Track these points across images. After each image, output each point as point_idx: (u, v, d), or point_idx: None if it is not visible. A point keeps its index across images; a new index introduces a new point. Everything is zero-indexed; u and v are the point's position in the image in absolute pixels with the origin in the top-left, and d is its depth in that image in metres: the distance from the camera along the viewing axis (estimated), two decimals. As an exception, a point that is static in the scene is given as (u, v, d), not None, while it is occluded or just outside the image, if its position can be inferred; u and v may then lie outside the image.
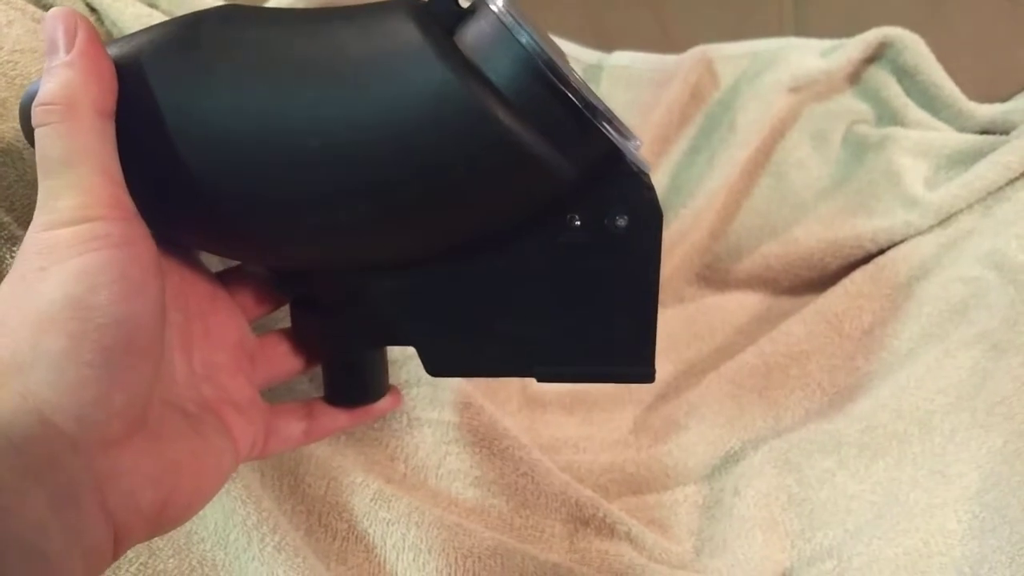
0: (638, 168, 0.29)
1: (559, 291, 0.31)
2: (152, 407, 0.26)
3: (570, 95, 0.26)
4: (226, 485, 0.37)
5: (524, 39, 0.26)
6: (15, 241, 0.35)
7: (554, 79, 0.26)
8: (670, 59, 0.63)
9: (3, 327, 0.23)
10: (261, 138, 0.26)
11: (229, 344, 0.32)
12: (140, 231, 0.25)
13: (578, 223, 0.29)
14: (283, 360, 0.34)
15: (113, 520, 0.24)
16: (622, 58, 0.64)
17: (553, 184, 0.27)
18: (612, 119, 0.27)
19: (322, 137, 0.26)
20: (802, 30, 0.64)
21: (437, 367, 0.33)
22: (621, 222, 0.29)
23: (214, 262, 0.34)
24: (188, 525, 0.38)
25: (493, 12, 0.26)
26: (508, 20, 0.26)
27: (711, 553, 0.43)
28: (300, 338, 0.35)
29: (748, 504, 0.44)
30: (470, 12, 0.27)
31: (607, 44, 0.64)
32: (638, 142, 0.28)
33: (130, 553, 0.37)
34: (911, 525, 0.41)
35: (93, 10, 0.47)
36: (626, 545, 0.44)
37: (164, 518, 0.27)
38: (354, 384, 0.36)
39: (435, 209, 0.28)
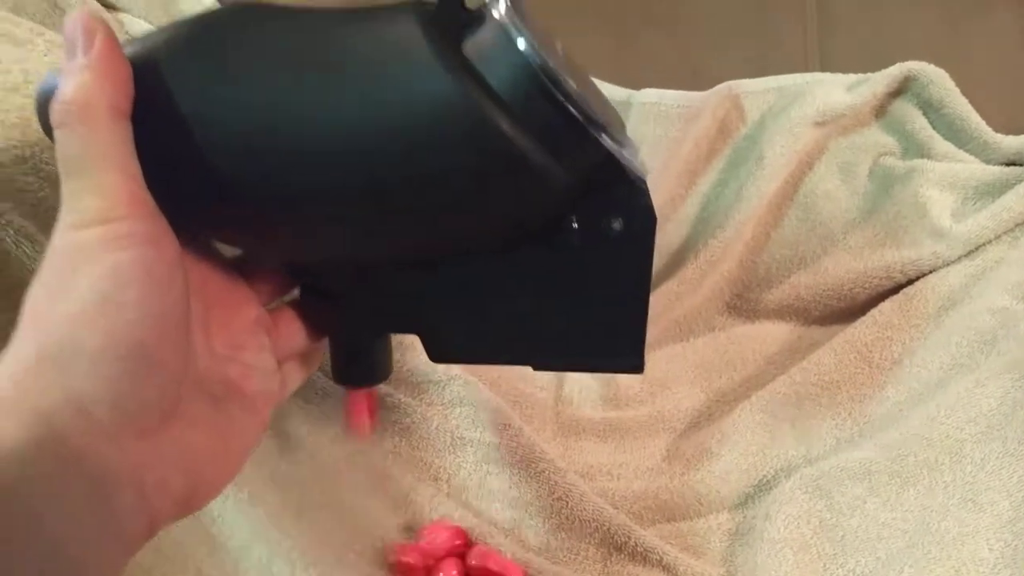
0: (634, 174, 0.29)
1: (556, 288, 0.32)
2: (184, 395, 0.27)
3: (568, 106, 0.26)
4: (269, 519, 0.39)
5: (523, 46, 0.26)
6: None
7: (552, 88, 0.26)
8: (697, 95, 0.64)
9: (41, 325, 0.24)
10: (269, 139, 0.27)
11: (247, 325, 0.32)
12: (162, 227, 0.26)
13: (575, 225, 0.30)
14: (296, 333, 0.35)
15: (148, 506, 0.25)
16: (650, 95, 0.65)
17: (551, 190, 0.28)
18: (608, 127, 0.27)
19: (328, 139, 0.26)
20: (827, 66, 0.65)
21: (439, 354, 0.34)
22: (616, 225, 0.30)
23: (227, 250, 0.35)
24: (235, 555, 0.39)
25: (495, 18, 0.26)
26: (508, 26, 0.26)
27: (744, 576, 0.44)
28: (309, 319, 0.36)
29: (779, 527, 0.45)
30: (478, 18, 0.27)
31: (635, 82, 0.65)
32: (634, 148, 0.28)
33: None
34: (943, 553, 0.42)
35: None
36: (658, 571, 0.45)
37: (192, 501, 0.28)
38: (360, 366, 0.37)
39: (436, 212, 0.28)
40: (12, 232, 0.35)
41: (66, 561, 0.23)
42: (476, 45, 0.27)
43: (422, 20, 0.27)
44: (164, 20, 0.59)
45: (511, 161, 0.26)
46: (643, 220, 0.30)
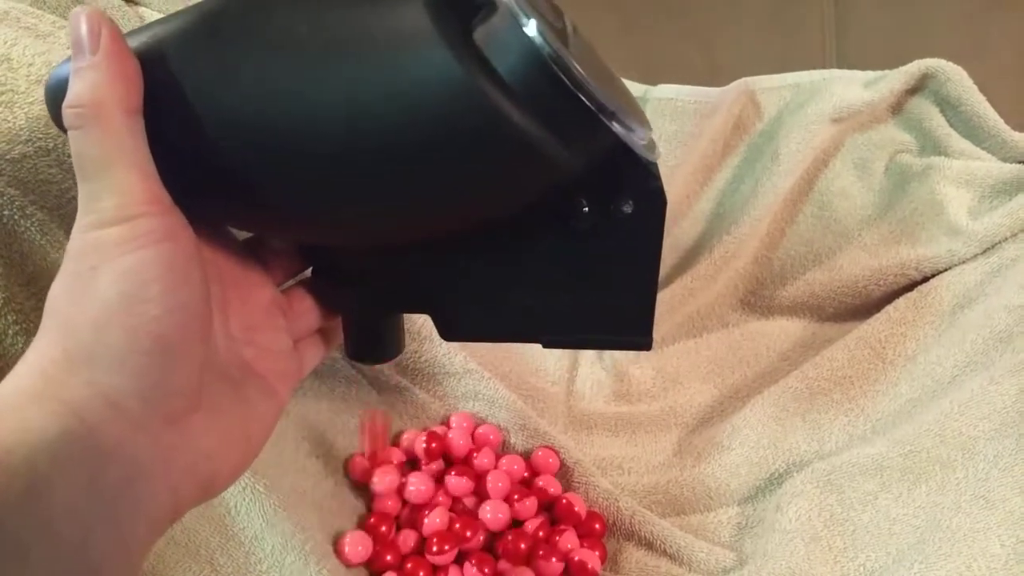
0: (644, 158, 0.29)
1: (567, 268, 0.32)
2: (205, 381, 0.28)
3: (579, 94, 0.26)
4: (284, 510, 0.40)
5: (532, 32, 0.25)
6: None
7: (562, 76, 0.25)
8: (713, 91, 0.64)
9: (65, 324, 0.25)
10: (279, 126, 0.27)
11: (262, 306, 0.33)
12: (179, 222, 0.26)
13: (586, 208, 0.30)
14: (309, 312, 0.35)
15: (175, 491, 0.26)
16: (667, 91, 0.65)
17: (561, 175, 0.28)
18: (618, 112, 0.26)
19: (337, 124, 0.26)
20: (844, 62, 0.65)
21: (450, 333, 0.34)
22: (627, 208, 0.30)
23: (240, 232, 0.35)
24: (248, 545, 0.40)
25: (503, 2, 0.26)
26: (517, 11, 0.25)
27: (753, 566, 0.44)
28: (322, 299, 0.36)
29: (790, 518, 0.45)
30: (489, 2, 0.27)
31: (652, 77, 0.65)
32: (644, 130, 0.28)
33: (194, 566, 0.39)
34: (953, 550, 0.41)
35: None
36: (665, 560, 0.45)
37: (215, 485, 0.28)
38: (372, 343, 0.37)
39: (446, 196, 0.28)
40: (36, 222, 0.36)
41: (95, 546, 0.23)
42: (486, 31, 0.26)
43: (431, 5, 0.26)
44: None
45: (521, 148, 0.26)
46: (653, 202, 0.30)
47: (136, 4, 0.59)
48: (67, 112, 0.26)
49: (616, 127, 0.27)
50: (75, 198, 0.37)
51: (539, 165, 0.27)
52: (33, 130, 0.35)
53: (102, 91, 0.25)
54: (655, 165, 0.30)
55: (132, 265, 0.25)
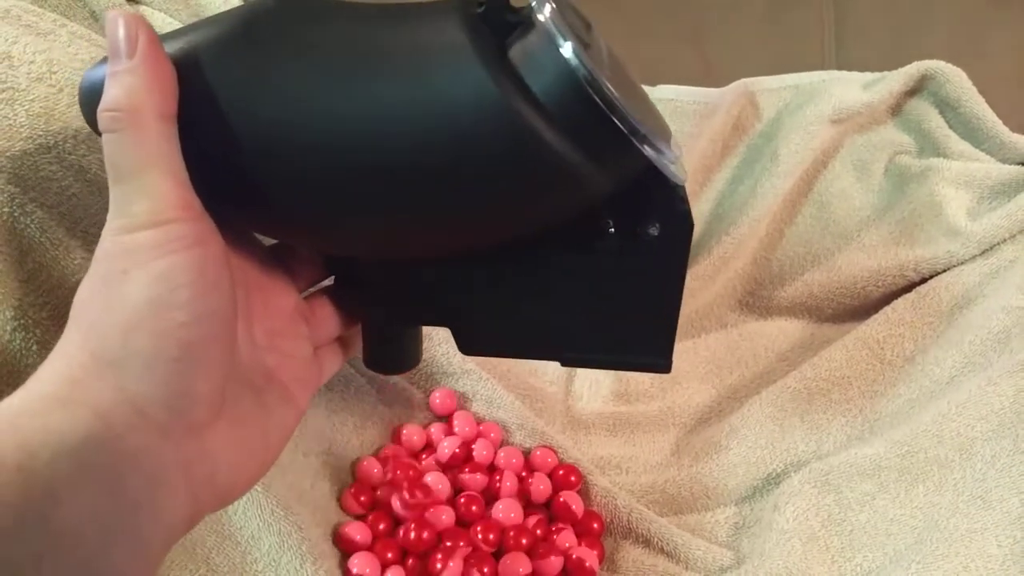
0: (672, 181, 0.29)
1: (590, 287, 0.32)
2: (228, 389, 0.28)
3: (612, 117, 0.26)
4: (283, 512, 0.40)
5: (568, 53, 0.25)
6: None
7: (596, 98, 0.25)
8: (713, 92, 0.64)
9: (93, 327, 0.25)
10: (312, 137, 0.27)
11: (286, 312, 0.33)
12: (210, 228, 0.26)
13: (612, 229, 0.30)
14: (330, 319, 0.35)
15: (195, 499, 0.26)
16: (666, 91, 0.65)
17: (589, 197, 0.28)
18: (649, 135, 0.26)
19: (370, 139, 0.26)
20: (843, 64, 0.65)
21: (469, 347, 0.34)
22: (653, 230, 0.30)
23: (265, 238, 0.35)
24: (244, 546, 0.40)
25: (540, 21, 0.26)
26: (553, 32, 0.25)
27: (750, 565, 0.44)
28: (342, 308, 0.36)
29: (787, 518, 0.45)
30: (526, 19, 0.27)
31: (652, 78, 0.66)
32: (675, 154, 0.28)
33: (190, 565, 0.39)
34: (951, 550, 0.41)
35: None
36: (661, 556, 0.45)
37: (231, 493, 0.28)
38: (391, 353, 0.38)
39: (474, 213, 0.28)
40: (36, 219, 0.36)
41: (115, 553, 0.23)
42: (522, 50, 0.26)
43: (468, 22, 0.26)
44: (184, 13, 0.59)
45: (552, 168, 0.26)
46: (680, 225, 0.30)
47: (137, 3, 0.59)
48: (102, 116, 0.26)
49: (648, 151, 0.27)
50: (75, 195, 0.37)
51: (569, 185, 0.27)
52: (33, 127, 0.35)
53: (138, 96, 0.25)
54: (683, 188, 0.30)
55: (163, 270, 0.25)
